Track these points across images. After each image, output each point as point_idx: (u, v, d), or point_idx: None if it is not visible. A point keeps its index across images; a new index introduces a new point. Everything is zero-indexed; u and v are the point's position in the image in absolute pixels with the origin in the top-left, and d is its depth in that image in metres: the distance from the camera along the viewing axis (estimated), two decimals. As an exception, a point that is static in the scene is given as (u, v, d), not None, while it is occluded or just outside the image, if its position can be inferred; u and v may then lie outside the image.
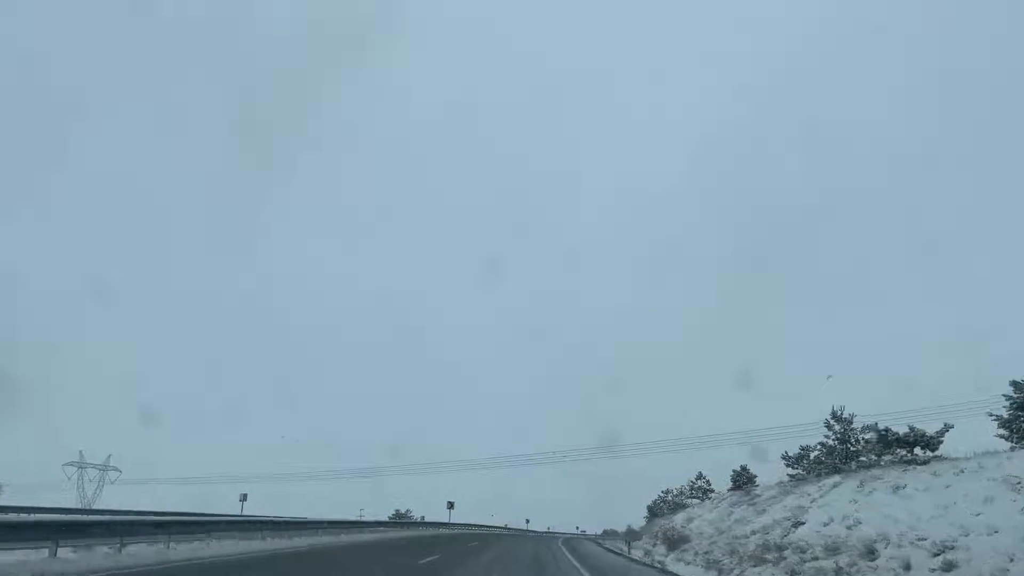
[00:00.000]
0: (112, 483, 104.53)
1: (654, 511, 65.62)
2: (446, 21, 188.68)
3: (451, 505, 65.33)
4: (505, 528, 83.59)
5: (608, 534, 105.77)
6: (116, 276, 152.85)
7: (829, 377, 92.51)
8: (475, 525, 71.00)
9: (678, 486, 56.64)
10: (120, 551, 14.17)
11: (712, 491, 46.08)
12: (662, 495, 63.39)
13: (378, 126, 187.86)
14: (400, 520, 60.57)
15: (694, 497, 46.57)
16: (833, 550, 14.97)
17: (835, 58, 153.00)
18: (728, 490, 37.60)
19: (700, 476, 46.79)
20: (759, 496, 28.04)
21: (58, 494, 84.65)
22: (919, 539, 13.54)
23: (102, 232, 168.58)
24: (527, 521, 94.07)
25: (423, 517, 64.72)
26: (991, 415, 19.65)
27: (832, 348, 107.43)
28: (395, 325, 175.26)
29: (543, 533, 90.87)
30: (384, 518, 57.47)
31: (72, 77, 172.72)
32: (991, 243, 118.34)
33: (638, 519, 75.92)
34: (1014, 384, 19.21)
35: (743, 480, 36.36)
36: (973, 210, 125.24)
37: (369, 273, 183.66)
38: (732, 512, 28.55)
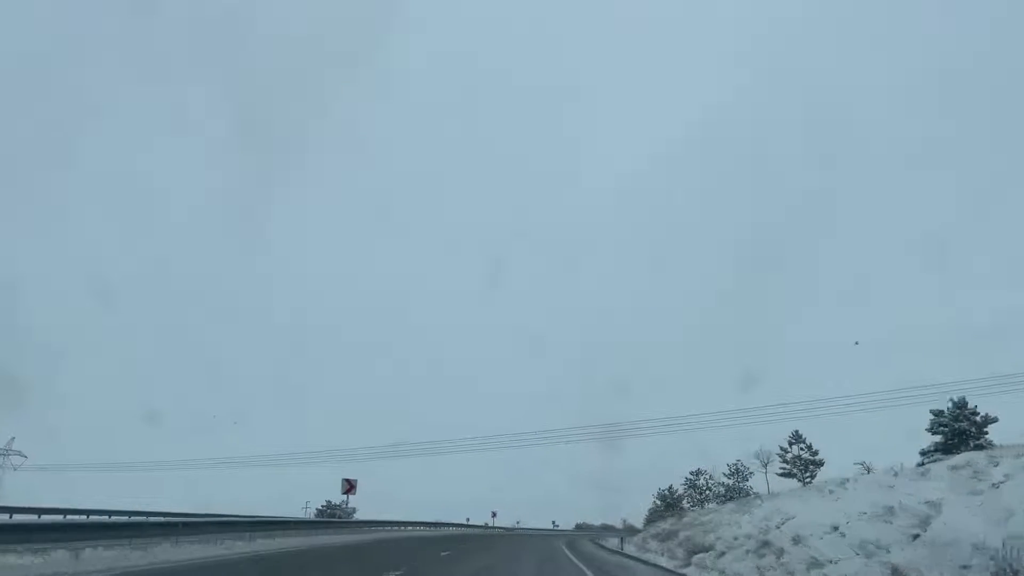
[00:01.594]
0: (15, 469, 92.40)
1: (671, 502, 48.29)
2: (446, 21, 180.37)
3: (349, 487, 40.51)
4: (466, 523, 68.97)
5: (582, 528, 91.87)
6: (114, 275, 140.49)
7: (856, 343, 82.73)
8: (419, 523, 54.44)
9: (731, 461, 39.37)
10: None
11: (819, 463, 28.49)
12: (691, 478, 45.93)
13: (378, 126, 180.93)
14: (327, 520, 44.80)
15: (788, 475, 28.77)
16: None
17: (835, 58, 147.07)
18: (934, 447, 19.59)
19: (797, 438, 28.75)
20: None
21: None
22: None
23: (101, 232, 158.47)
24: (493, 515, 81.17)
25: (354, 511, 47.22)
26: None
27: (832, 348, 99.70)
28: (395, 325, 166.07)
29: (511, 530, 77.07)
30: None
31: (72, 77, 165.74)
32: (991, 243, 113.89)
33: (628, 513, 66.44)
34: None
35: (966, 428, 18.56)
36: (973, 210, 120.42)
37: (369, 273, 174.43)
38: None
